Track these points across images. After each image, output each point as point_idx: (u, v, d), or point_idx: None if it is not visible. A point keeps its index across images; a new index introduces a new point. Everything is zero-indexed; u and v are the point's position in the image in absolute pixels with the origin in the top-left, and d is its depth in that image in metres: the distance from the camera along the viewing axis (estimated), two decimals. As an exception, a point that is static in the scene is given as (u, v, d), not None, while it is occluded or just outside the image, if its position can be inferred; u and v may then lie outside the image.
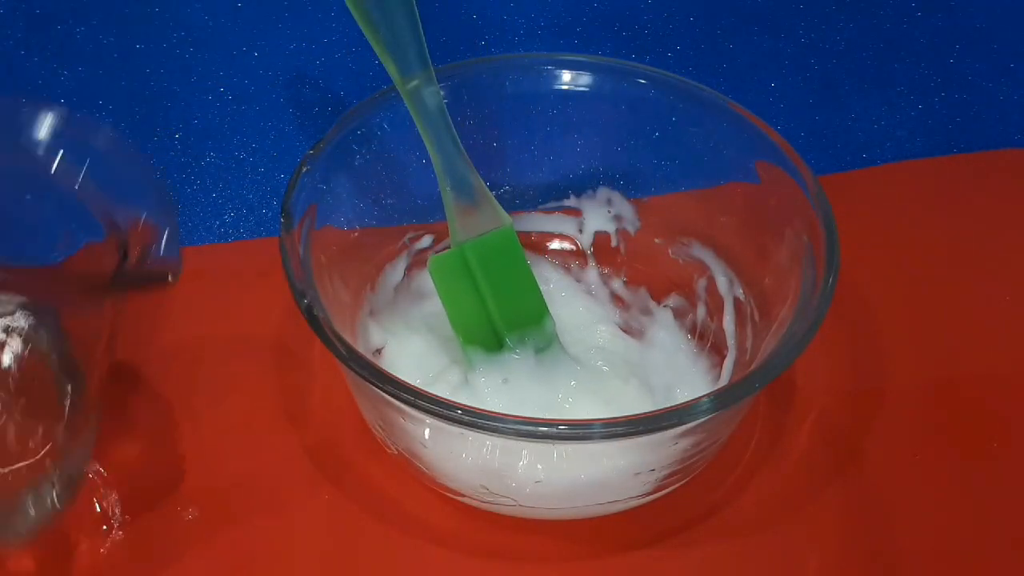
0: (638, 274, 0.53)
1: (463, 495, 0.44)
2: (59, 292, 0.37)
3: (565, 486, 0.43)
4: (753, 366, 0.43)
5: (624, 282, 0.53)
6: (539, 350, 0.47)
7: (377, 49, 0.44)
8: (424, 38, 0.44)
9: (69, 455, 0.40)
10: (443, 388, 0.47)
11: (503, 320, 0.47)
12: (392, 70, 0.45)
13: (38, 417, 0.39)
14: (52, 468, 0.39)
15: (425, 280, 0.51)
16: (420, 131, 0.45)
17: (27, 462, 0.39)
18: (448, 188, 0.46)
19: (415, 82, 0.45)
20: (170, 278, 0.38)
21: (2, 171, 0.39)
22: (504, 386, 0.47)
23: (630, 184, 0.52)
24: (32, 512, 0.40)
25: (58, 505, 0.40)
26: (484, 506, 0.44)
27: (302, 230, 0.44)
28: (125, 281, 0.37)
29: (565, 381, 0.47)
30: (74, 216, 0.39)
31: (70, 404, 0.39)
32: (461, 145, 0.46)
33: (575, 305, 0.52)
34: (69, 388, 0.39)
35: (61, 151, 0.39)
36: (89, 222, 0.39)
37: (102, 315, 0.40)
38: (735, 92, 0.49)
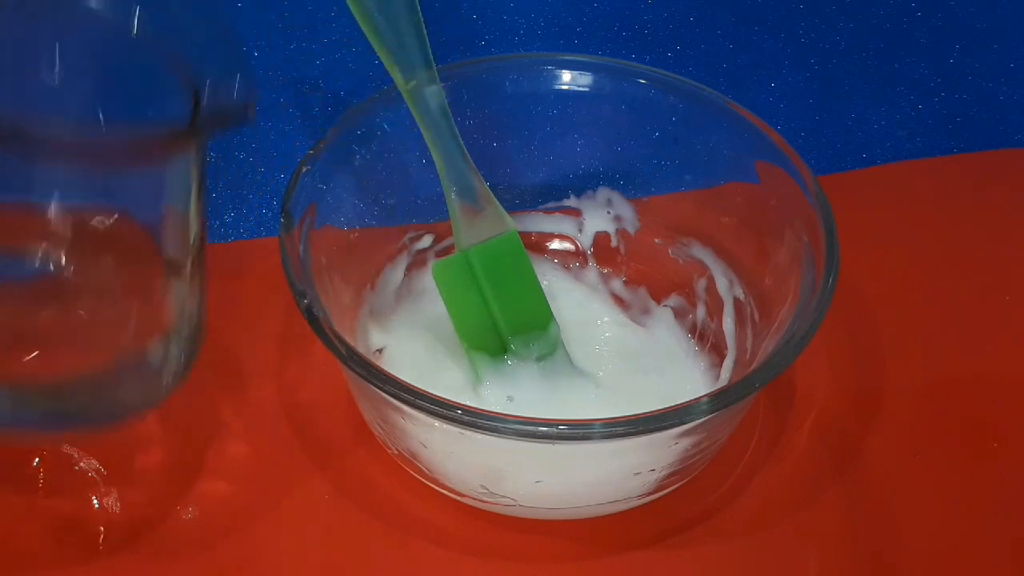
0: (638, 274, 0.53)
1: (463, 495, 0.44)
2: (145, 148, 0.36)
3: (565, 486, 0.43)
4: (753, 366, 0.43)
5: (624, 282, 0.53)
6: (542, 356, 0.47)
7: (379, 51, 0.44)
8: (427, 38, 0.44)
9: (185, 310, 0.40)
10: (444, 389, 0.47)
11: (507, 325, 0.47)
12: (394, 71, 0.44)
13: (145, 271, 0.39)
14: (174, 321, 0.39)
15: (426, 280, 0.50)
16: (424, 134, 0.45)
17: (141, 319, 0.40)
18: (453, 193, 0.46)
19: (416, 83, 0.44)
20: (248, 113, 0.37)
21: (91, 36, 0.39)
22: (511, 404, 0.46)
23: (630, 184, 0.52)
24: (160, 372, 0.40)
25: (182, 363, 0.40)
26: (484, 506, 0.44)
27: (302, 230, 0.44)
28: (207, 123, 0.37)
29: (578, 391, 0.47)
30: (152, 69, 0.39)
31: (178, 256, 0.39)
32: (465, 149, 0.46)
33: (577, 302, 0.52)
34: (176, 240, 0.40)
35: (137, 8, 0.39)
36: (163, 73, 0.39)
37: (189, 163, 0.39)
38: (735, 92, 0.49)
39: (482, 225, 0.46)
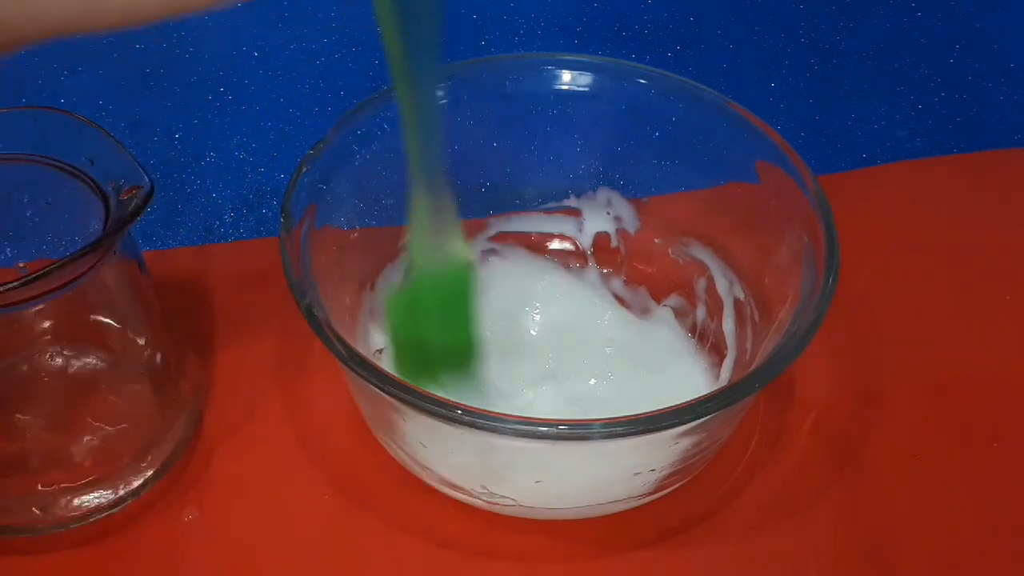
0: (638, 274, 0.53)
1: (463, 495, 0.44)
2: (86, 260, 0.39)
3: (565, 486, 0.43)
4: (753, 366, 0.43)
5: (624, 282, 0.53)
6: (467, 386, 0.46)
7: (392, 52, 0.43)
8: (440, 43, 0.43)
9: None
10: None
11: (440, 357, 0.45)
12: (400, 80, 0.44)
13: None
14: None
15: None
16: (407, 145, 0.41)
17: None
18: (422, 208, 0.42)
19: (417, 83, 0.44)
20: (151, 187, 0.40)
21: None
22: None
23: (630, 184, 0.52)
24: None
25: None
26: (484, 506, 0.44)
27: (302, 230, 0.44)
28: (122, 219, 0.39)
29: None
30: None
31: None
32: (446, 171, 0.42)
33: (577, 302, 0.52)
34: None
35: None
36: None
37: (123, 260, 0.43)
38: (735, 92, 0.49)
39: (442, 247, 0.43)
